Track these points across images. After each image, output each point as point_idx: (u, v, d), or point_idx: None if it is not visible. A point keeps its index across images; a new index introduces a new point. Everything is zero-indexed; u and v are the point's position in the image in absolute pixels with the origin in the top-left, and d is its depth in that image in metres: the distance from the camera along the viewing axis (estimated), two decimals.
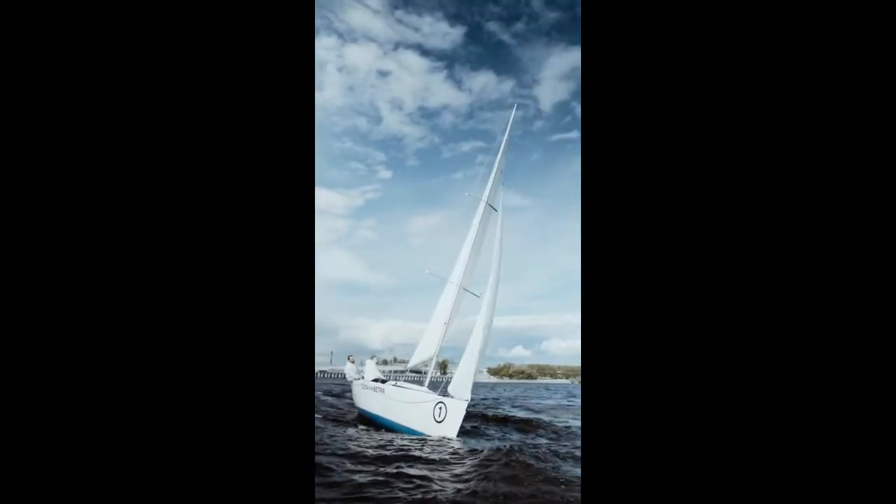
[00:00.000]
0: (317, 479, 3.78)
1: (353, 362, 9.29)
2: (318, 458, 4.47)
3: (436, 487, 3.63)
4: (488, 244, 9.02)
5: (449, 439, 5.85)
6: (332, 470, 4.09)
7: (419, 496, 3.39)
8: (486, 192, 8.99)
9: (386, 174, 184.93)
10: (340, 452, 4.94)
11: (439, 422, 6.02)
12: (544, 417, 9.79)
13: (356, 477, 3.88)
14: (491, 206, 9.02)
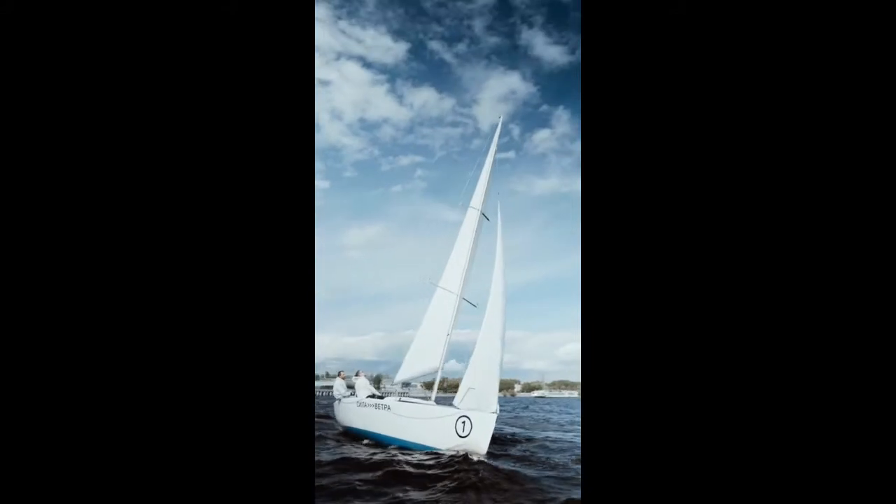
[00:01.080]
0: None
1: (343, 378, 8.57)
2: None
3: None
4: (476, 252, 8.96)
5: (480, 454, 5.54)
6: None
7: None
8: (479, 200, 8.95)
9: (323, 184, 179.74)
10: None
11: (463, 437, 5.69)
12: (519, 430, 10.16)
13: None
14: (484, 216, 9.00)
